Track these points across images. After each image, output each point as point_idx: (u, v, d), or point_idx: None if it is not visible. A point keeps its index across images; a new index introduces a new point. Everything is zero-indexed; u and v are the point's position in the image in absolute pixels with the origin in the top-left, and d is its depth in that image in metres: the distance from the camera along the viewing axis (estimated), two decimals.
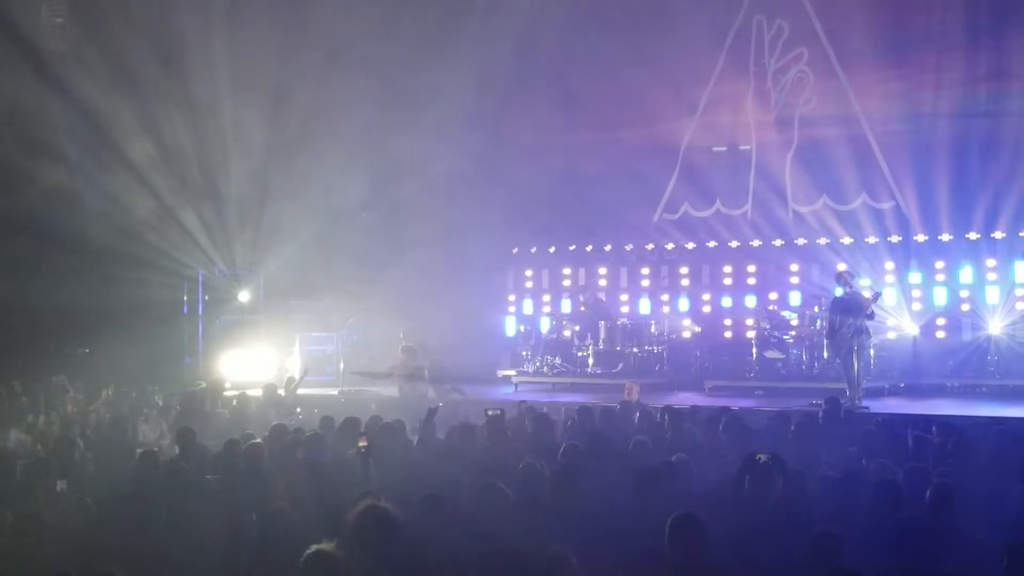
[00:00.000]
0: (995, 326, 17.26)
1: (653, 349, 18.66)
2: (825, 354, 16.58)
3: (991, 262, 17.66)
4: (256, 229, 19.50)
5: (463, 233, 20.01)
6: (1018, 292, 17.44)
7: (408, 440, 10.15)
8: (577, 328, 18.99)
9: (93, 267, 17.90)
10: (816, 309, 17.14)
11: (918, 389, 16.56)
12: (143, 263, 18.30)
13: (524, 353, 19.52)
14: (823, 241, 18.83)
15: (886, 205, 18.51)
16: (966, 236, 17.85)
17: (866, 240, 18.44)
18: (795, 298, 18.72)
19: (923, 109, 17.97)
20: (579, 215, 20.76)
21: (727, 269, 19.70)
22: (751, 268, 19.50)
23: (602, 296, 19.88)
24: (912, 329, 17.73)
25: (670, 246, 20.27)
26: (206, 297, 19.85)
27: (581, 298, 19.87)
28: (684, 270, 20.18)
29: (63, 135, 17.89)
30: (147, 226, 18.51)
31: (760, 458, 7.46)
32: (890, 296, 17.51)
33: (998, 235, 17.63)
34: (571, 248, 21.09)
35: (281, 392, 14.99)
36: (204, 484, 8.57)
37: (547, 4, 19.60)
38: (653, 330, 18.86)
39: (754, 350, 17.63)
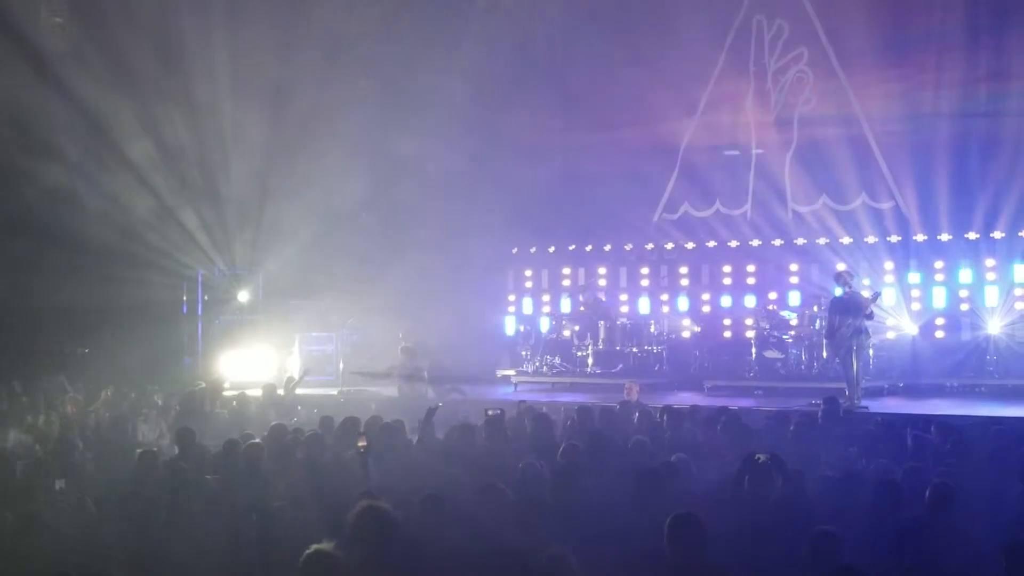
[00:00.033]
0: (994, 326, 17.26)
1: (652, 349, 18.66)
2: (824, 354, 16.60)
3: (990, 262, 17.67)
4: (256, 229, 19.51)
5: (463, 233, 20.00)
6: (1017, 292, 17.44)
7: (408, 440, 10.15)
8: (577, 328, 19.00)
9: (93, 267, 17.90)
10: (815, 309, 17.15)
11: (917, 389, 16.57)
12: (143, 263, 18.30)
13: (524, 353, 19.53)
14: (822, 241, 18.83)
15: (885, 205, 18.51)
16: (965, 236, 17.85)
17: (865, 240, 18.44)
18: (794, 298, 18.72)
19: (923, 109, 17.96)
20: (579, 215, 20.76)
21: (726, 269, 19.70)
22: (750, 268, 19.49)
23: (602, 296, 19.89)
24: (911, 329, 17.74)
25: (670, 246, 20.27)
26: (206, 297, 19.85)
27: (581, 298, 19.87)
28: (684, 270, 20.18)
29: (63, 135, 17.90)
30: (147, 226, 18.51)
31: (759, 458, 7.46)
32: (889, 296, 17.52)
33: (997, 235, 17.63)
34: (571, 248, 21.09)
35: (280, 392, 14.99)
36: (204, 484, 8.56)
37: (547, 4, 19.59)
38: (652, 330, 18.86)
39: (753, 350, 17.64)
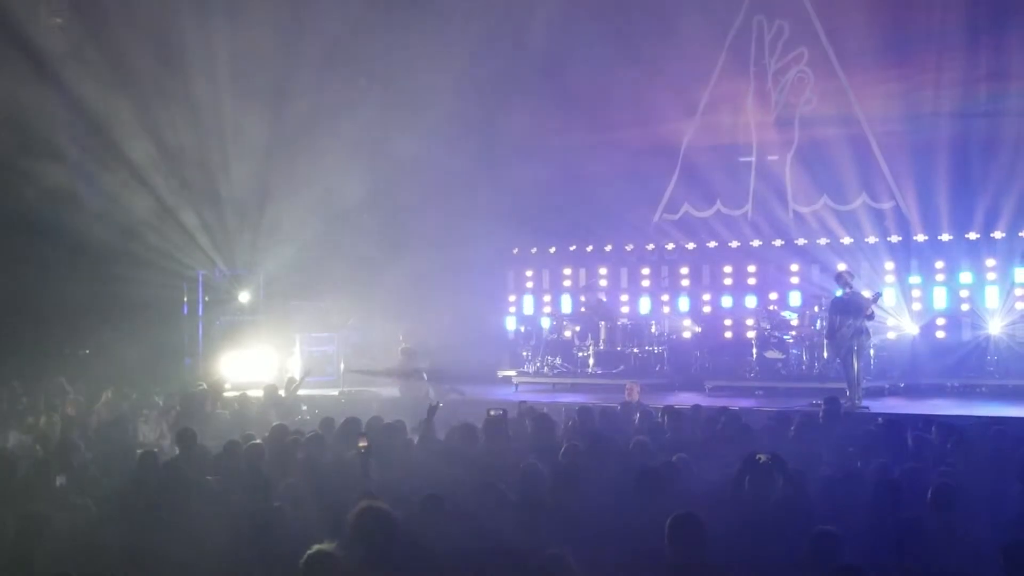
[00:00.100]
0: (994, 326, 17.26)
1: (653, 349, 18.66)
2: (825, 354, 16.59)
3: (991, 262, 17.66)
4: (256, 229, 19.51)
5: (463, 233, 19.99)
6: (1017, 292, 17.44)
7: (409, 440, 10.16)
8: (577, 328, 18.99)
9: (93, 267, 17.92)
10: (816, 309, 17.14)
11: (918, 389, 16.57)
12: (143, 263, 18.29)
13: (524, 354, 19.53)
14: (823, 241, 18.83)
15: (886, 205, 18.51)
16: (966, 236, 17.85)
17: (866, 240, 18.44)
18: (795, 298, 18.73)
19: (923, 109, 17.95)
20: (579, 215, 20.76)
21: (727, 269, 19.70)
22: (751, 268, 19.50)
23: (603, 296, 19.89)
24: (912, 329, 17.74)
25: (670, 246, 20.28)
26: (206, 298, 19.85)
27: (582, 298, 19.88)
28: (684, 270, 20.19)
29: (63, 135, 17.90)
30: (147, 226, 18.50)
31: (760, 458, 7.46)
32: (890, 296, 17.51)
33: (998, 235, 17.62)
34: (571, 248, 21.11)
35: (282, 393, 14.99)
36: (204, 485, 8.56)
37: (547, 4, 19.59)
38: (653, 330, 18.86)
39: (754, 350, 17.63)
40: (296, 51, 18.35)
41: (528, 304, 21.35)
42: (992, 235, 17.66)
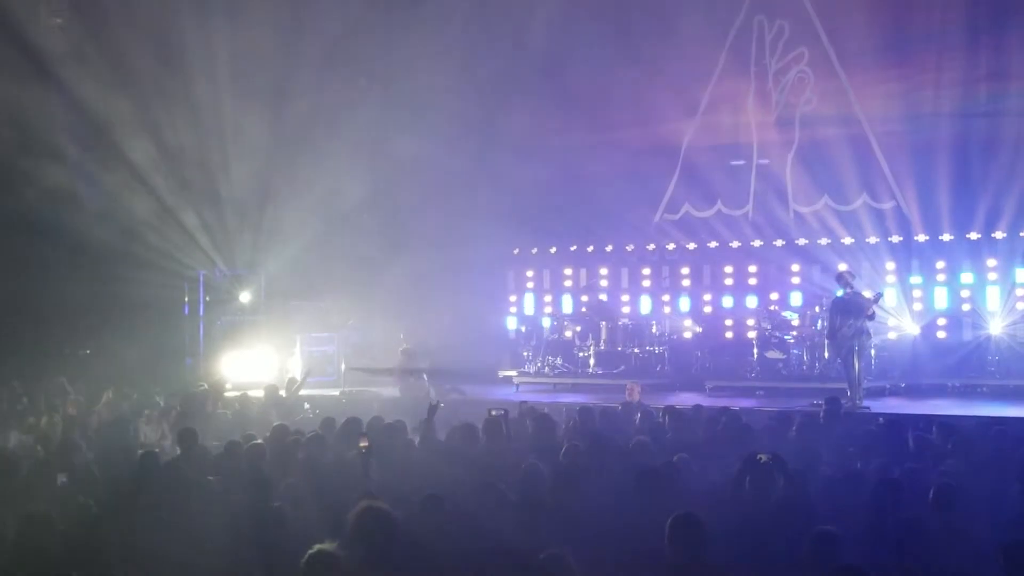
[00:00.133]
0: (995, 326, 17.26)
1: (654, 349, 18.66)
2: (826, 354, 16.59)
3: (992, 262, 17.66)
4: (257, 230, 19.52)
5: (464, 234, 19.99)
6: (1019, 292, 17.43)
7: (409, 440, 10.15)
8: (578, 328, 19.00)
9: (93, 267, 17.91)
10: (817, 309, 17.15)
11: (918, 389, 16.57)
12: (143, 263, 18.29)
13: (525, 354, 19.54)
14: (824, 241, 18.82)
15: (887, 205, 18.50)
16: (967, 236, 17.84)
17: (867, 240, 18.44)
18: (796, 298, 18.72)
19: (923, 109, 17.95)
20: (580, 215, 20.76)
21: (728, 269, 19.70)
22: (752, 268, 19.49)
23: (603, 296, 19.89)
24: (913, 329, 17.73)
25: (671, 246, 20.28)
26: (207, 298, 19.86)
27: (583, 299, 19.88)
28: (685, 270, 20.19)
29: (63, 135, 17.89)
30: (147, 226, 18.50)
31: (761, 458, 7.46)
32: (891, 296, 17.51)
33: (999, 235, 17.62)
34: (572, 248, 21.11)
35: (282, 393, 14.99)
36: (205, 485, 8.57)
37: (547, 4, 19.59)
38: (654, 330, 18.86)
39: (755, 350, 17.63)
40: (296, 51, 18.36)
41: (529, 304, 21.35)
42: (993, 235, 17.66)
